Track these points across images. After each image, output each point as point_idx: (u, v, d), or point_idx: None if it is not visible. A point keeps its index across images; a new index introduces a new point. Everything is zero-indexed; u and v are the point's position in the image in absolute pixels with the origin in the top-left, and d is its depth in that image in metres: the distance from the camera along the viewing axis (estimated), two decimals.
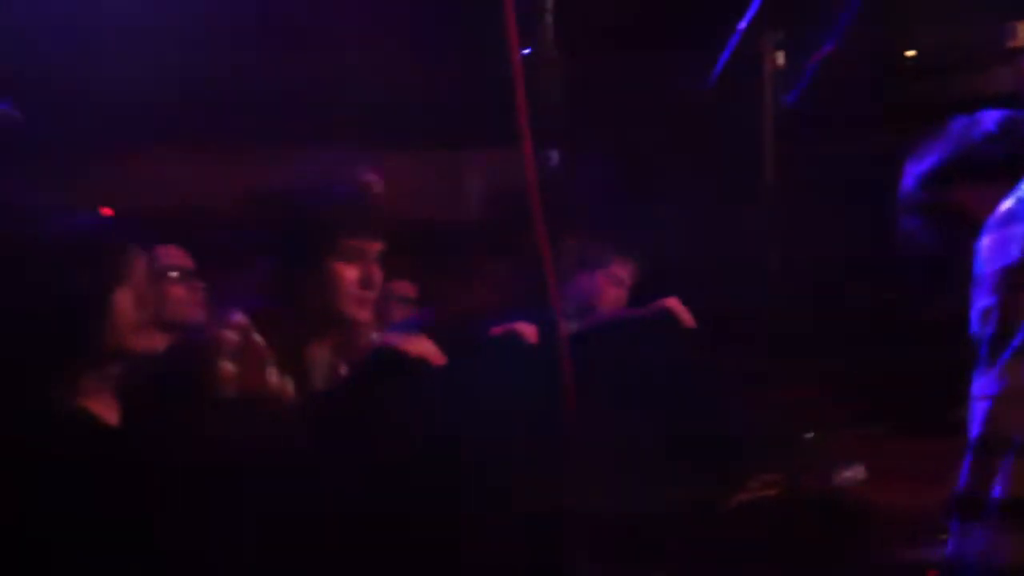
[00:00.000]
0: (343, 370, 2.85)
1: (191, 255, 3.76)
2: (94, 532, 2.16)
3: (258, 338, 2.64)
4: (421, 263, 3.50)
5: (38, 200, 1.92)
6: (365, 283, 2.66)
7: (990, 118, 1.87)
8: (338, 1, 4.50)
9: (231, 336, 2.60)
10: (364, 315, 2.68)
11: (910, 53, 3.32)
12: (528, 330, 2.56)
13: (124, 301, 2.34)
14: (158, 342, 2.36)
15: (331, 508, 2.28)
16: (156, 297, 2.37)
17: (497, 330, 2.80)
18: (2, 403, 2.14)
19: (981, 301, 1.55)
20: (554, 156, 1.70)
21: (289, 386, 2.67)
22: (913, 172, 1.88)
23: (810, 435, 2.76)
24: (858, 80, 2.97)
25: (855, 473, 2.65)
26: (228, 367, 2.57)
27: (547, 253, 1.68)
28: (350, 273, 2.64)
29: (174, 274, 3.48)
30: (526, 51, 1.72)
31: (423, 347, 2.37)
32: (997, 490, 1.43)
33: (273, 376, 2.64)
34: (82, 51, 4.35)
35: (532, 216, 1.69)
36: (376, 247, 2.68)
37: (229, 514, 2.34)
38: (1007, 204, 1.62)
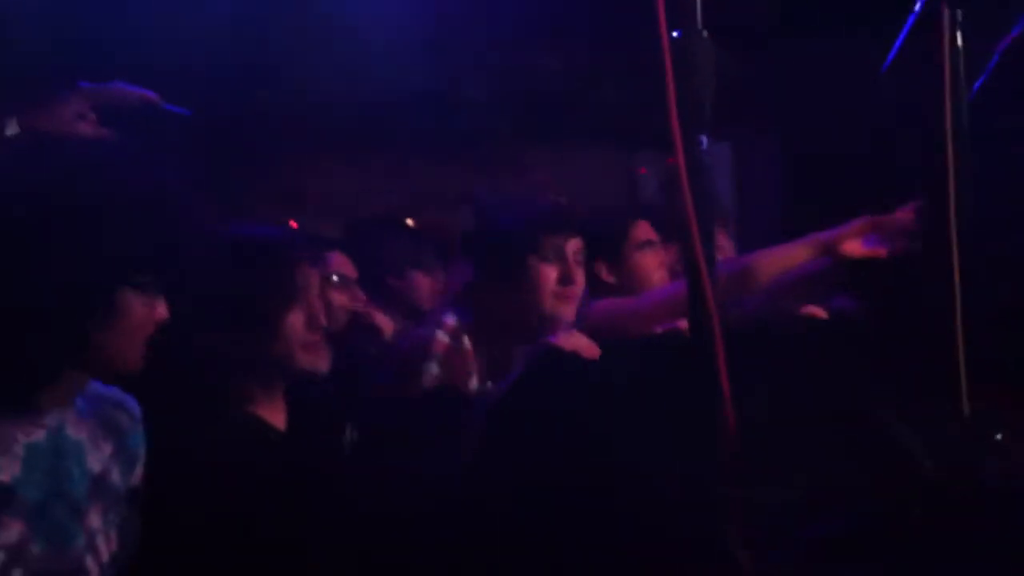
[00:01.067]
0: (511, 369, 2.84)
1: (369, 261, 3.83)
2: (260, 535, 2.20)
3: (467, 343, 2.65)
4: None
5: (196, 198, 1.95)
6: (565, 280, 2.68)
7: None
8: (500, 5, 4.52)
9: (443, 339, 2.62)
10: (567, 312, 2.69)
11: None
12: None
13: (297, 319, 2.37)
14: (325, 359, 2.40)
15: (498, 504, 2.28)
16: (324, 307, 2.41)
17: (659, 328, 2.76)
18: (177, 408, 2.20)
19: None
20: (704, 143, 1.63)
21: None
22: None
23: (999, 435, 2.61)
24: None
25: None
26: (434, 369, 2.58)
27: (697, 244, 1.62)
28: (551, 272, 2.66)
29: (335, 279, 3.56)
30: (675, 34, 1.66)
31: (578, 342, 2.35)
32: None
33: (474, 383, 2.64)
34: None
35: (683, 206, 1.63)
36: (574, 245, 2.70)
37: (399, 516, 2.36)
38: None
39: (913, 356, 2.71)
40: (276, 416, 2.46)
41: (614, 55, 4.87)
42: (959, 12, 2.46)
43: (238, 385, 2.37)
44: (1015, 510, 2.37)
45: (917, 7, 2.50)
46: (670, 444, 2.07)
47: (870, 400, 2.63)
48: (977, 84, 2.61)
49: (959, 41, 2.46)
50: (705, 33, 1.65)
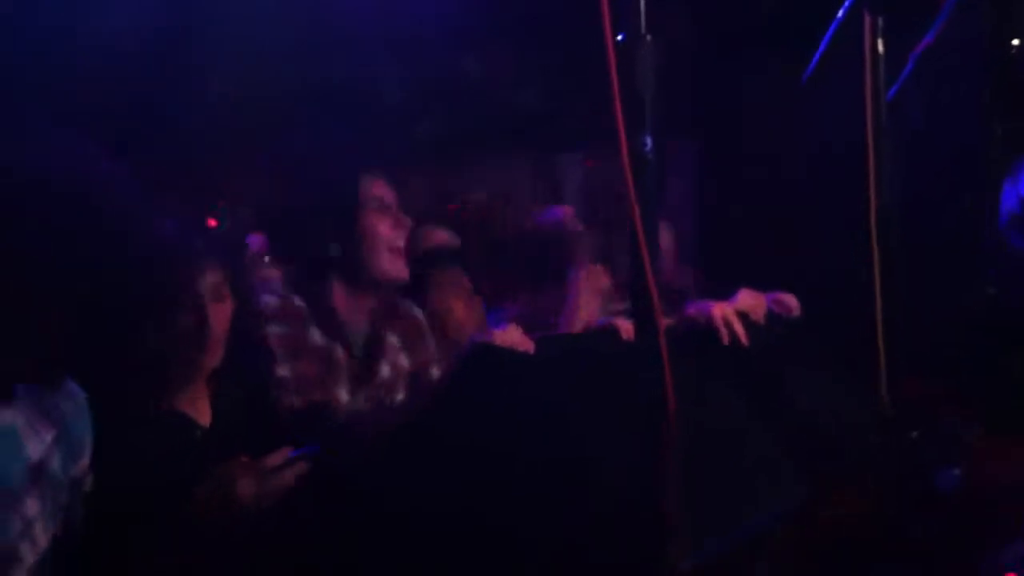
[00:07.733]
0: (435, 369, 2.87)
1: None
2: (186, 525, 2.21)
3: (297, 300, 2.71)
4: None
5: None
6: (396, 235, 2.75)
7: None
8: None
9: (271, 300, 2.69)
10: (399, 268, 2.76)
11: (1015, 41, 3.23)
12: (625, 326, 2.54)
13: (185, 319, 2.40)
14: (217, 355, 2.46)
15: (432, 506, 2.29)
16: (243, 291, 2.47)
17: (596, 325, 2.79)
18: (104, 407, 2.18)
19: None
20: (649, 143, 1.68)
21: (339, 350, 2.72)
22: (1013, 192, 1.82)
23: (914, 434, 2.69)
24: (962, 69, 2.89)
25: (956, 474, 2.57)
26: (274, 329, 2.64)
27: (644, 245, 1.66)
28: (383, 226, 2.74)
29: (266, 259, 3.62)
30: (620, 37, 1.70)
31: (511, 337, 2.37)
32: None
33: (317, 336, 2.70)
34: None
35: (628, 208, 1.67)
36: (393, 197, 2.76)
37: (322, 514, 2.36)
38: None
39: (840, 350, 2.78)
40: (201, 413, 2.48)
41: (534, 58, 4.90)
42: (880, 19, 2.53)
43: (156, 381, 2.39)
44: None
45: (840, 14, 2.57)
46: (612, 438, 2.11)
47: (798, 390, 2.69)
48: (893, 90, 2.69)
49: (880, 48, 2.54)
50: (649, 38, 1.70)
